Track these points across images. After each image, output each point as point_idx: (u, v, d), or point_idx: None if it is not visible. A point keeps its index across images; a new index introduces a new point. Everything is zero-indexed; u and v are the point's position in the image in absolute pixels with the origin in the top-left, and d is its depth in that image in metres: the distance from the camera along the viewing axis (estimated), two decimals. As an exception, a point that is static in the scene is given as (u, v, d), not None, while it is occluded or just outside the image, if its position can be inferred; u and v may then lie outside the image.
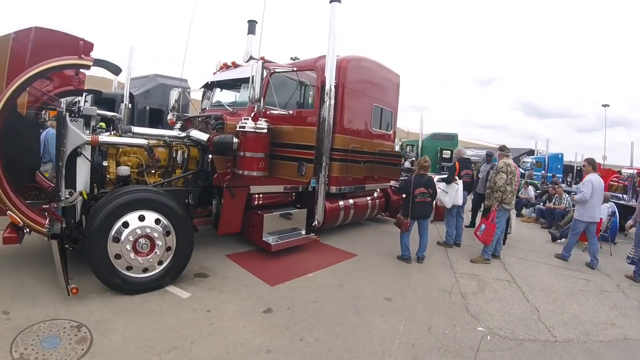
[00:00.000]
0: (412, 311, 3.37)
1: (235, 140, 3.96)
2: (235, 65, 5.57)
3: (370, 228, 6.75)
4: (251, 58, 5.36)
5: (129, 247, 3.15)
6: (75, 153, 3.11)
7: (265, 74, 4.19)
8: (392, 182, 6.66)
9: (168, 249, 3.34)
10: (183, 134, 4.32)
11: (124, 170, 3.59)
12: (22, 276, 3.26)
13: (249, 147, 4.05)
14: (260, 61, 3.99)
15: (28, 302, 2.84)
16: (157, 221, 3.29)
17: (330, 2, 4.77)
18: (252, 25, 6.31)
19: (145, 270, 3.26)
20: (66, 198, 3.03)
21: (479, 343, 2.89)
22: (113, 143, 3.66)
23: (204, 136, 4.03)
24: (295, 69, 4.59)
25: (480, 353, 2.74)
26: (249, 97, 4.07)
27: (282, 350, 2.52)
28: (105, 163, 3.58)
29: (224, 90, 5.66)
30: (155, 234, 3.25)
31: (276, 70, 4.61)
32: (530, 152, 17.70)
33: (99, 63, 3.22)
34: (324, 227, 5.23)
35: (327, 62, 4.66)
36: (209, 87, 5.71)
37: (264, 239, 4.39)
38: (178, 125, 5.15)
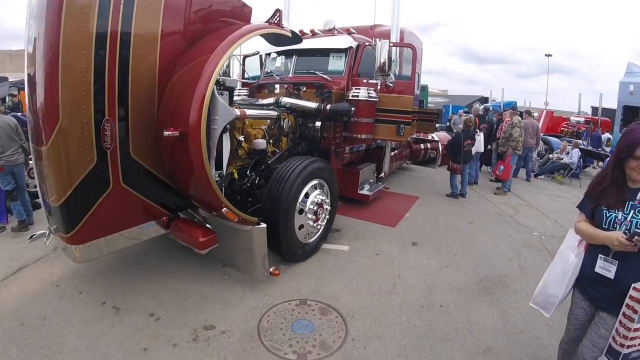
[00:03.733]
0: (492, 227, 5.48)
1: (352, 108, 4.98)
2: (313, 34, 6.11)
3: (403, 174, 8.78)
4: (334, 28, 5.82)
5: (310, 215, 3.92)
6: (223, 130, 3.22)
7: (360, 47, 5.28)
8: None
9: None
10: (282, 101, 4.67)
11: (261, 143, 3.85)
12: (179, 279, 3.60)
13: (363, 113, 5.08)
14: (387, 41, 4.75)
15: (224, 301, 3.26)
16: (321, 186, 4.17)
17: None
18: None
19: (312, 234, 4.07)
20: (216, 180, 3.10)
21: (540, 240, 5.20)
22: (256, 116, 4.01)
23: (311, 104, 4.76)
24: (391, 43, 5.05)
25: (542, 244, 5.04)
26: (375, 69, 4.75)
27: (447, 259, 4.33)
28: (241, 138, 3.82)
29: (290, 57, 6.35)
30: (324, 198, 4.14)
31: (372, 45, 5.45)
32: (484, 100, 21.22)
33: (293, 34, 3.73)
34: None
35: (395, 35, 5.47)
36: (289, 54, 5.89)
37: (359, 192, 5.97)
38: (244, 92, 5.81)
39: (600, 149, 11.45)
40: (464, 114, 9.58)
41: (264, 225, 3.32)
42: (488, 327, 3.10)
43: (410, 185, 7.82)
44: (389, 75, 4.91)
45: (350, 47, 5.37)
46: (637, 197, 1.82)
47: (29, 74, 2.68)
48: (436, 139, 9.17)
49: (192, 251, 3.88)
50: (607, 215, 1.88)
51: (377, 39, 4.86)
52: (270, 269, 3.53)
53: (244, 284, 3.52)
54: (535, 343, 2.89)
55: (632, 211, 1.81)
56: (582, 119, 15.73)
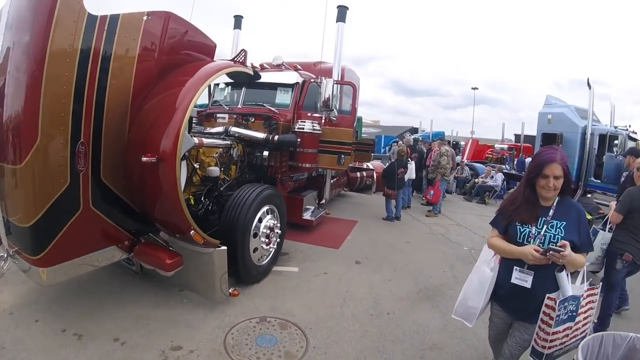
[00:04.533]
0: (426, 245, 6.13)
1: (298, 139, 5.42)
2: (262, 68, 6.31)
3: (342, 201, 9.28)
4: (282, 63, 6.19)
5: (263, 239, 4.19)
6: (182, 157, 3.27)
7: (305, 82, 5.89)
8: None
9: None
10: (231, 131, 5.00)
11: (215, 171, 4.09)
12: (137, 305, 3.59)
13: (308, 144, 5.51)
14: (332, 80, 5.36)
15: (187, 323, 3.33)
16: (272, 211, 4.43)
17: (337, 22, 6.13)
18: (238, 20, 7.23)
19: (264, 257, 4.31)
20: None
21: (470, 254, 5.94)
22: (210, 144, 4.25)
23: (259, 134, 5.09)
24: (336, 81, 5.68)
25: (472, 256, 5.77)
26: (319, 104, 5.38)
27: (388, 274, 4.82)
28: (196, 165, 3.97)
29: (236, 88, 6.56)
30: (275, 223, 4.43)
31: (316, 81, 5.94)
32: (414, 130, 23.20)
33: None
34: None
35: (336, 72, 6.30)
36: (237, 85, 6.12)
37: (304, 217, 6.30)
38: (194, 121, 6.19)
39: (523, 172, 13.14)
40: (400, 144, 10.56)
41: (224, 247, 3.48)
42: (431, 327, 3.53)
43: (349, 210, 8.34)
44: (333, 110, 5.48)
45: (297, 83, 5.82)
46: (549, 214, 2.02)
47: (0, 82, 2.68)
48: (371, 167, 9.99)
49: (146, 277, 3.89)
50: (522, 230, 2.05)
51: (323, 77, 5.45)
52: (230, 290, 3.67)
53: (204, 306, 3.60)
54: (475, 337, 3.33)
55: (545, 226, 2.00)
56: (505, 146, 18.02)
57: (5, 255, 3.01)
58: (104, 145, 3.01)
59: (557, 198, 2.06)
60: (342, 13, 6.07)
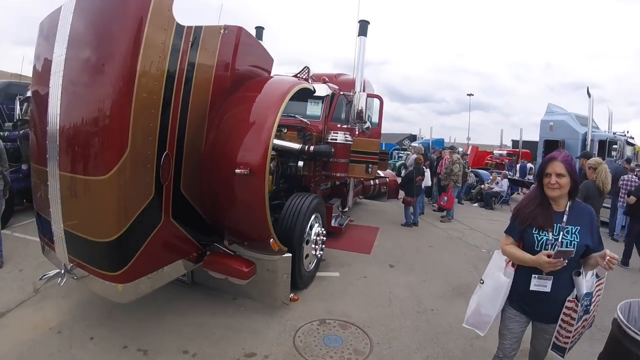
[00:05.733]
0: (448, 248, 6.58)
1: (332, 149, 5.71)
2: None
3: (359, 208, 9.67)
4: (312, 76, 6.73)
5: (313, 245, 4.48)
6: None
7: (335, 95, 6.18)
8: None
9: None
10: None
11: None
12: (196, 314, 3.71)
13: (340, 154, 5.84)
14: (365, 93, 5.74)
15: (251, 330, 3.50)
16: (318, 219, 4.69)
17: (358, 36, 6.43)
18: (259, 31, 7.33)
19: (312, 263, 4.54)
20: None
21: (489, 255, 6.35)
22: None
23: (294, 145, 5.26)
24: (369, 94, 6.18)
25: (491, 256, 6.19)
26: (350, 117, 5.76)
27: (422, 276, 5.24)
28: None
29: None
30: (321, 230, 4.73)
31: (344, 94, 6.31)
32: (413, 137, 23.77)
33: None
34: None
35: (359, 84, 6.56)
36: None
37: (333, 225, 6.70)
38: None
39: (526, 178, 13.74)
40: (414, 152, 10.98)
41: (289, 254, 3.75)
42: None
43: (368, 217, 8.77)
44: (366, 122, 5.84)
45: (327, 95, 6.15)
46: (563, 220, 2.04)
47: (69, 92, 2.74)
48: (382, 175, 10.44)
49: (196, 287, 4.15)
50: (539, 238, 2.06)
51: (357, 91, 5.80)
52: (290, 295, 3.97)
53: (262, 312, 3.83)
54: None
55: (561, 233, 2.02)
56: (504, 152, 18.71)
57: (63, 271, 2.98)
58: (185, 157, 3.11)
59: (568, 203, 2.09)
60: (363, 27, 6.38)
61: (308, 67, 4.40)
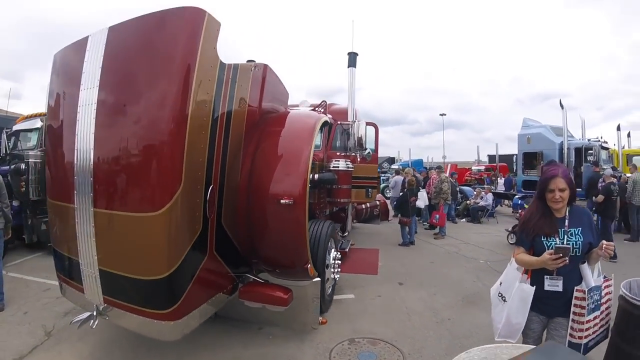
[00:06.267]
0: (448, 262, 6.96)
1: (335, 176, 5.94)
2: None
3: (355, 232, 9.94)
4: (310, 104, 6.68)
5: (332, 269, 4.62)
6: None
7: (333, 124, 6.59)
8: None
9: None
10: None
11: None
12: (227, 348, 3.72)
13: (343, 181, 6.14)
14: (364, 121, 6.01)
15: (287, 357, 3.57)
16: (334, 244, 4.88)
17: (348, 67, 6.73)
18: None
19: (330, 287, 4.63)
20: None
21: (488, 265, 6.78)
22: None
23: None
24: (368, 122, 6.43)
25: (490, 267, 6.62)
26: (350, 144, 5.97)
27: (431, 289, 5.56)
28: None
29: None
30: (336, 254, 4.88)
31: (341, 123, 6.50)
32: (391, 160, 24.52)
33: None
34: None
35: (351, 114, 7.08)
36: None
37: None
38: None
39: (512, 191, 14.36)
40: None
41: (319, 279, 3.89)
42: (488, 324, 4.22)
43: (365, 240, 9.07)
44: (366, 149, 6.20)
45: (326, 125, 6.38)
46: (565, 224, 2.26)
47: (106, 129, 2.78)
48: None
49: (220, 321, 4.14)
50: (547, 244, 2.24)
51: (357, 120, 6.18)
52: (320, 319, 4.13)
53: (292, 339, 3.92)
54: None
55: (565, 236, 2.24)
56: (482, 167, 19.65)
57: (95, 314, 2.91)
58: (225, 190, 3.21)
59: (567, 208, 2.31)
60: (352, 59, 6.70)
61: (325, 101, 4.76)
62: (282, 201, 3.26)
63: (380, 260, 7.19)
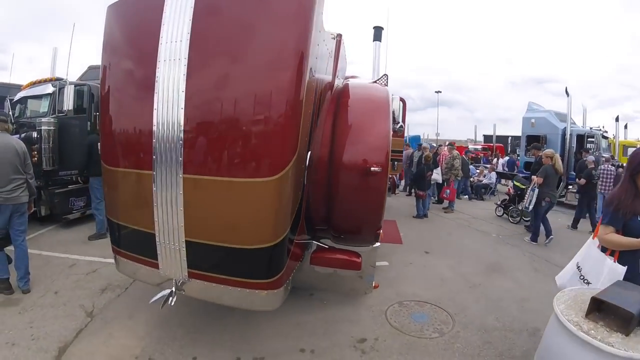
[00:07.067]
0: (464, 234, 7.57)
1: None
2: None
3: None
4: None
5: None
6: None
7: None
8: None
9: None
10: None
11: None
12: (285, 314, 3.74)
13: None
14: (398, 96, 5.91)
15: (345, 319, 3.83)
16: None
17: (374, 41, 7.02)
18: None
19: None
20: None
21: (499, 239, 7.42)
22: None
23: None
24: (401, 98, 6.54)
25: (502, 240, 7.27)
26: None
27: (456, 258, 6.16)
28: None
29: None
30: None
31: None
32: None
33: None
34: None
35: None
36: None
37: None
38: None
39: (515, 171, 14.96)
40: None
41: (378, 243, 3.96)
42: (514, 288, 4.89)
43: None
44: (399, 122, 6.40)
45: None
46: None
47: (202, 91, 2.62)
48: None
49: None
50: None
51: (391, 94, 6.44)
52: (373, 283, 4.49)
53: (346, 303, 4.22)
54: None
55: None
56: (479, 147, 20.31)
57: (174, 289, 2.82)
58: (312, 157, 3.13)
59: None
60: (377, 33, 6.84)
61: (387, 75, 4.87)
62: (372, 168, 3.15)
63: (402, 232, 7.73)
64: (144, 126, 2.75)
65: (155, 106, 2.65)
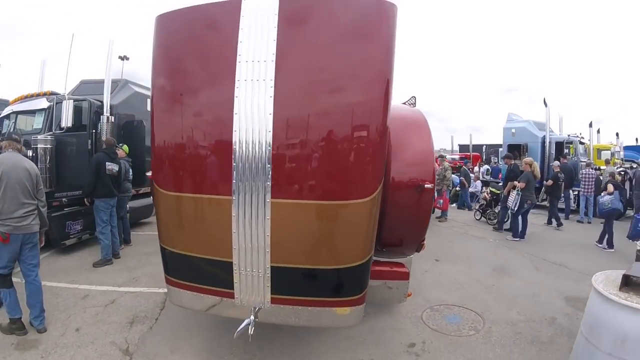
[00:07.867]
0: (464, 241, 8.21)
1: None
2: None
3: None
4: None
5: None
6: None
7: None
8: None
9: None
10: None
11: None
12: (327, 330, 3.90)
13: None
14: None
15: (389, 328, 4.07)
16: None
17: None
18: None
19: None
20: None
21: (497, 243, 8.06)
22: None
23: None
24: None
25: (498, 244, 7.90)
26: None
27: (465, 263, 6.73)
28: None
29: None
30: None
31: None
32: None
33: None
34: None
35: None
36: None
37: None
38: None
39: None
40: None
41: (415, 253, 4.10)
42: (522, 286, 5.50)
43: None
44: None
45: None
46: None
47: (293, 113, 2.60)
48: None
49: None
50: None
51: None
52: (407, 292, 4.49)
53: (382, 313, 4.45)
54: (559, 282, 5.37)
55: None
56: (457, 156, 21.30)
57: (253, 318, 2.73)
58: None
59: None
60: None
61: (415, 97, 5.00)
62: (426, 185, 3.31)
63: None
64: (219, 149, 2.68)
65: (235, 127, 2.57)
